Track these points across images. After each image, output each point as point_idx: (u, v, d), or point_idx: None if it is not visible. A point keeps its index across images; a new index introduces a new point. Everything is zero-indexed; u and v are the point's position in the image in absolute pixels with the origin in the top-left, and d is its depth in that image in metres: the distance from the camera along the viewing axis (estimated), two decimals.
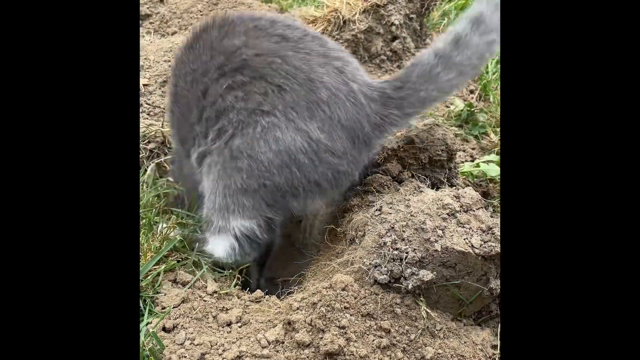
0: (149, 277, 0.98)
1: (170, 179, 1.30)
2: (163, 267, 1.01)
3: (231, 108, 0.99)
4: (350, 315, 0.88)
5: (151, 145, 1.41)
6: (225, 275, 1.08)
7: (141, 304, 0.94)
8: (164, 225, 1.11)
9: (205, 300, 0.96)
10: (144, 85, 1.59)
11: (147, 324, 0.90)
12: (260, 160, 0.97)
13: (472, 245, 0.90)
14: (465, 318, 0.97)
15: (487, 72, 1.84)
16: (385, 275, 0.90)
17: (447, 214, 0.94)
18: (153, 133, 1.43)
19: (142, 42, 1.86)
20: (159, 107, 1.53)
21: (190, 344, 0.87)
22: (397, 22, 1.91)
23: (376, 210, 1.01)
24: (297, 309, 0.90)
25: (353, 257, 0.96)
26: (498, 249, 0.90)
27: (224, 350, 0.86)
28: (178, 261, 1.05)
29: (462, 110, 1.67)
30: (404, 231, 0.92)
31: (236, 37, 1.02)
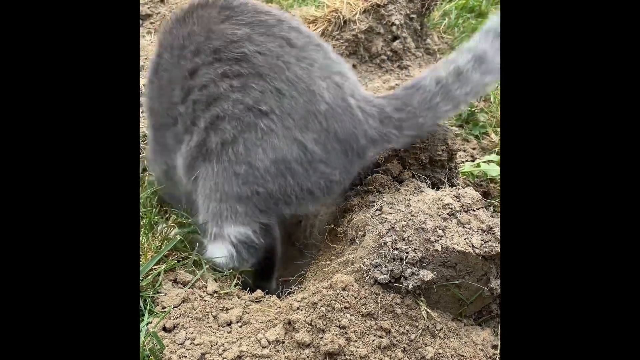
0: (149, 277, 0.98)
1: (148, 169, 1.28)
2: (163, 267, 1.01)
3: (225, 97, 0.97)
4: (351, 315, 0.88)
5: None
6: (225, 275, 1.08)
7: (141, 304, 0.94)
8: (164, 225, 1.11)
9: (205, 300, 0.96)
10: (144, 85, 1.58)
11: (147, 324, 0.90)
12: (256, 167, 0.97)
13: (473, 245, 0.90)
14: (466, 318, 0.97)
15: None
16: (385, 275, 0.90)
17: (448, 213, 0.94)
18: None
19: (142, 42, 1.87)
20: None
21: (190, 343, 0.87)
22: (397, 22, 1.91)
23: (376, 210, 1.01)
24: (298, 308, 0.90)
25: (353, 257, 0.96)
26: (498, 249, 0.90)
27: (224, 350, 0.86)
28: (178, 261, 1.05)
29: (462, 110, 1.67)
30: (404, 231, 0.92)
31: (238, 26, 0.99)
